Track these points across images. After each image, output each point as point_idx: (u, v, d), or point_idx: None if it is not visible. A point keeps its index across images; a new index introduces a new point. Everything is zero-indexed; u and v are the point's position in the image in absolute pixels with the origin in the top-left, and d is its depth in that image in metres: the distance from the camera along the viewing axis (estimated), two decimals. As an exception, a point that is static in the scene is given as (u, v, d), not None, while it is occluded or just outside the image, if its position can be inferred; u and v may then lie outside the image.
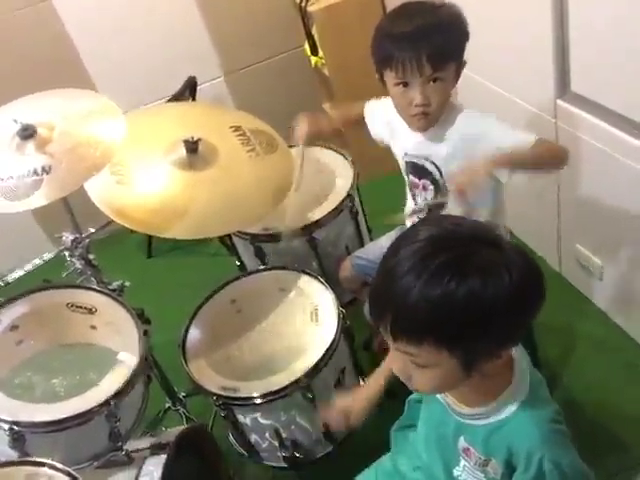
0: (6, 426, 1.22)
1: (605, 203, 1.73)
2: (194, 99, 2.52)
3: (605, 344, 1.88)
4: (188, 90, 2.49)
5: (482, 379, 0.89)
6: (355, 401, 1.24)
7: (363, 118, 1.65)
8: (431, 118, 1.40)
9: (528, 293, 0.82)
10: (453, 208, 1.47)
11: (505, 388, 0.92)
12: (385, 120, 1.56)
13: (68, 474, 1.11)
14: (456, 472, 1.02)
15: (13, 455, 1.25)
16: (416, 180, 1.55)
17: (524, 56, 1.76)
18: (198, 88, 2.54)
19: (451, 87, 1.40)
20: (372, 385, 1.24)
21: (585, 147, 1.68)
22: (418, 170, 1.52)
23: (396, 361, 0.89)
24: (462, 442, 0.98)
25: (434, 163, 1.47)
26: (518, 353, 0.96)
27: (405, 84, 1.35)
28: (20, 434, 1.23)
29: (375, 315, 0.86)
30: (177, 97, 2.43)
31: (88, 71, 2.62)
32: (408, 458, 1.17)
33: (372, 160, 1.95)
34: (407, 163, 1.54)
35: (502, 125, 1.38)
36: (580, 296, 2.01)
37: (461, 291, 0.77)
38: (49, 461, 1.13)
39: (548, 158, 1.37)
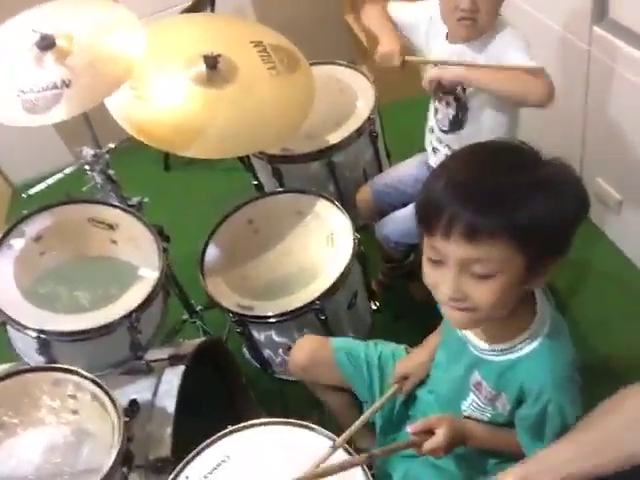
0: (33, 334, 1.28)
1: (632, 138, 1.69)
2: (213, 7, 2.43)
3: (615, 278, 1.90)
4: (207, -2, 2.40)
5: (508, 314, 0.89)
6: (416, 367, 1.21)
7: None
8: (478, 27, 1.36)
9: (580, 206, 0.84)
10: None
11: (527, 327, 0.93)
12: (424, 23, 1.51)
13: (93, 382, 1.17)
14: (463, 406, 1.05)
15: (41, 360, 1.32)
16: (440, 94, 1.51)
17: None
18: (217, -4, 2.44)
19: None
20: (426, 350, 1.21)
21: (617, 78, 1.62)
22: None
23: (451, 279, 0.84)
24: (476, 376, 1.00)
25: None
26: (541, 295, 0.96)
27: None
28: (46, 341, 1.29)
29: (444, 220, 0.80)
30: (196, 5, 2.34)
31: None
32: (423, 380, 1.20)
33: (395, 79, 1.89)
34: None
35: (518, 45, 1.35)
36: (595, 230, 2.01)
37: (535, 182, 0.80)
38: (76, 368, 1.19)
39: (523, 91, 1.31)
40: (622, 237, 1.94)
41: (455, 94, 1.46)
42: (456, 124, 1.50)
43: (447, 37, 1.46)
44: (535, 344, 0.92)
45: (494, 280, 0.82)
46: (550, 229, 0.80)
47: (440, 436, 0.97)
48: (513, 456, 1.04)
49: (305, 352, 1.30)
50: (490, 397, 1.00)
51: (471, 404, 1.04)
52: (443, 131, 1.55)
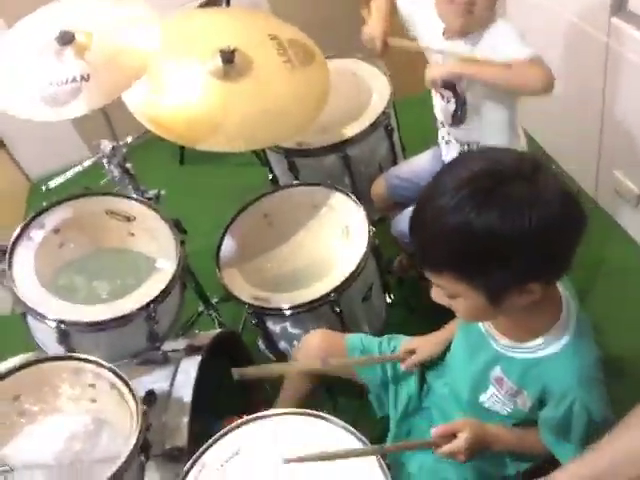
0: (53, 324, 1.30)
1: (650, 130, 1.68)
2: (229, 2, 2.44)
3: (633, 273, 1.88)
4: (223, -8, 2.40)
5: (527, 314, 0.89)
6: (425, 344, 1.24)
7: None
8: (474, 20, 1.34)
9: (553, 233, 0.79)
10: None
11: (551, 326, 0.92)
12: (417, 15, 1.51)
13: (112, 371, 1.19)
14: (482, 398, 1.04)
15: (61, 350, 1.34)
16: (442, 90, 1.50)
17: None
18: (233, -11, 2.45)
19: None
20: (442, 333, 1.23)
21: (636, 70, 1.60)
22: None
23: (433, 289, 0.90)
24: (497, 371, 1.00)
25: None
26: (568, 292, 0.95)
27: None
28: (66, 331, 1.32)
29: (412, 243, 0.88)
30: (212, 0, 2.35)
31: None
32: (438, 373, 1.21)
33: (411, 72, 1.88)
34: None
35: (512, 35, 1.33)
36: (614, 224, 1.99)
37: (477, 223, 0.77)
38: (95, 358, 1.20)
39: (522, 82, 1.31)
40: (641, 231, 1.92)
41: (454, 90, 1.45)
42: (456, 119, 1.50)
43: (444, 33, 1.45)
44: (560, 344, 0.91)
45: (460, 299, 0.86)
46: (514, 262, 0.79)
47: (462, 440, 0.97)
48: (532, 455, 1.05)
49: (318, 351, 1.31)
50: (511, 392, 0.99)
51: (491, 397, 1.03)
52: (450, 125, 1.55)
